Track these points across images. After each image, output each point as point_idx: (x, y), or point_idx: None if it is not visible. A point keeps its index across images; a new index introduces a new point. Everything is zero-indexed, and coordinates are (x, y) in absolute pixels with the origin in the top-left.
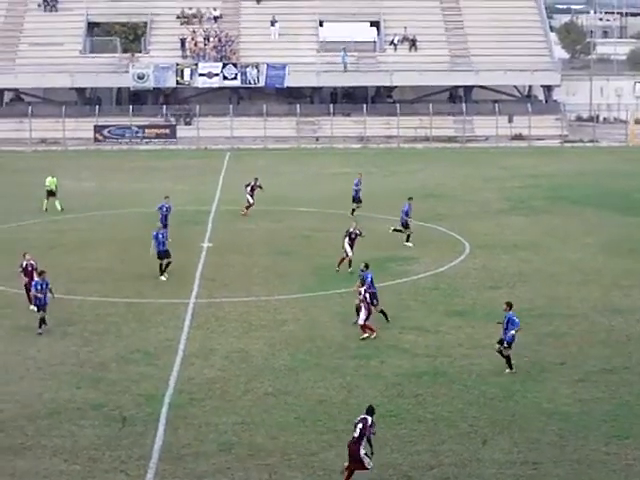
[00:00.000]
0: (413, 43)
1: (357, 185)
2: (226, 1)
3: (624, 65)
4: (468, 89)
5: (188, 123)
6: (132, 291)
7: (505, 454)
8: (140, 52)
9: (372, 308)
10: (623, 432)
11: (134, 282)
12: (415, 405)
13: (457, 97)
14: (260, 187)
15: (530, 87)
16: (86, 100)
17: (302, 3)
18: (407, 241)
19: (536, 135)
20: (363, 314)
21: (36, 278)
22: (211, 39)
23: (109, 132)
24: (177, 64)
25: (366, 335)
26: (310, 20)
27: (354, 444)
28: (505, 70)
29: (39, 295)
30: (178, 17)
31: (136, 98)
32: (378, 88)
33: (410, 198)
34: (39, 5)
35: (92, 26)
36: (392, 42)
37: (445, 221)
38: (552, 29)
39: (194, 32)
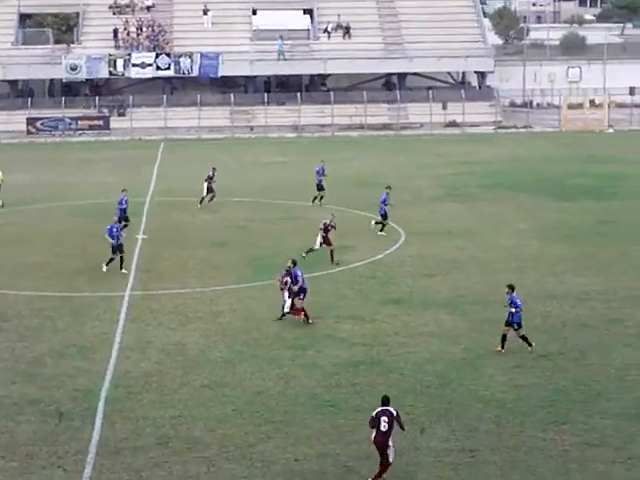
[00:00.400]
0: (347, 31)
1: (320, 174)
2: None
3: (557, 50)
4: (402, 76)
5: (121, 114)
6: (67, 285)
7: (442, 442)
8: (73, 43)
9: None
10: (560, 418)
11: (69, 276)
12: (352, 394)
13: (391, 84)
14: (212, 178)
15: (464, 73)
16: (18, 92)
17: None
18: (381, 231)
19: (470, 122)
20: (287, 301)
21: None
22: (144, 29)
23: (42, 124)
24: (110, 55)
25: (303, 318)
26: (243, 8)
27: (383, 437)
28: (439, 57)
29: None
30: (110, 7)
31: (69, 90)
32: (312, 76)
33: (388, 187)
34: None
35: (24, 17)
36: (326, 30)
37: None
38: (485, 15)
39: (127, 22)
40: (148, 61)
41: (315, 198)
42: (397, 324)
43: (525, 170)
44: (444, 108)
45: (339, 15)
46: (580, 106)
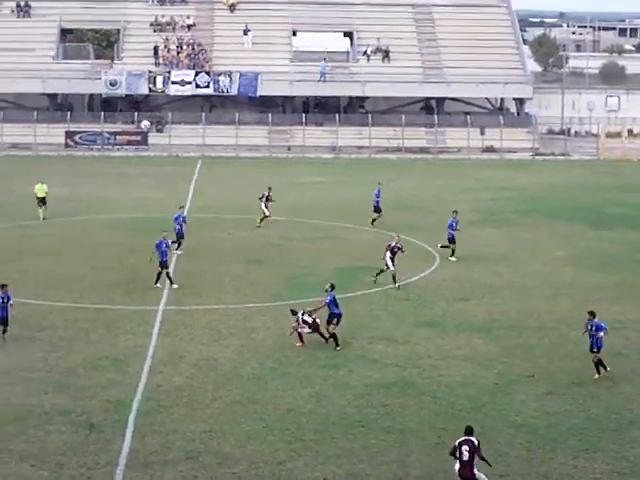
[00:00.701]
0: (386, 54)
1: (377, 196)
2: (200, 9)
3: (596, 79)
4: (440, 101)
5: (160, 130)
6: (102, 297)
7: None
8: (113, 59)
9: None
10: (591, 446)
11: (104, 289)
12: (383, 415)
13: (429, 108)
14: (269, 198)
15: (502, 100)
16: (58, 106)
17: (276, 12)
18: (452, 256)
19: (508, 147)
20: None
21: None
22: (184, 47)
23: (80, 138)
24: (149, 71)
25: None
26: (284, 29)
27: (466, 468)
28: (477, 82)
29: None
30: (151, 24)
31: (108, 104)
32: (351, 98)
33: (455, 211)
34: (12, 11)
35: (65, 32)
36: (365, 53)
37: (416, 232)
38: (525, 42)
39: (167, 40)
40: (187, 79)
41: (374, 220)
42: (430, 347)
43: (562, 197)
44: (482, 133)
45: (379, 38)
46: (618, 135)
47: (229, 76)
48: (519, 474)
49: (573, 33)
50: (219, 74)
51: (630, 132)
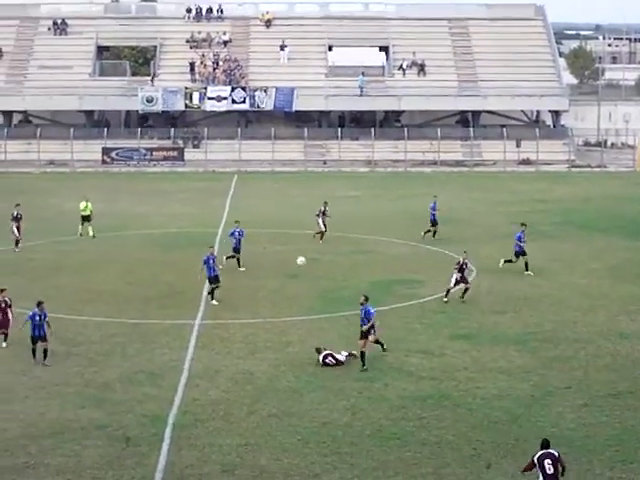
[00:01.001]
0: (422, 68)
1: (434, 209)
2: (236, 25)
3: (632, 90)
4: (476, 114)
5: (196, 146)
6: (137, 312)
7: (509, 478)
8: (150, 76)
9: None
10: (628, 457)
11: (139, 303)
12: (419, 428)
13: (465, 121)
14: (325, 213)
15: (538, 112)
16: (94, 122)
17: (311, 28)
18: (526, 270)
19: (544, 160)
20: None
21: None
22: (220, 63)
23: (117, 154)
24: (186, 87)
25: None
26: (319, 45)
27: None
28: (513, 95)
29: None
30: (187, 41)
31: (144, 120)
32: (386, 112)
33: (523, 224)
34: (49, 29)
35: (102, 49)
36: (401, 67)
37: (452, 245)
38: (561, 54)
39: (203, 56)
40: (224, 94)
41: (428, 232)
42: (466, 359)
43: (598, 209)
44: (518, 146)
45: (414, 53)
46: None
47: (265, 91)
48: None
49: (609, 45)
50: (255, 89)
51: None
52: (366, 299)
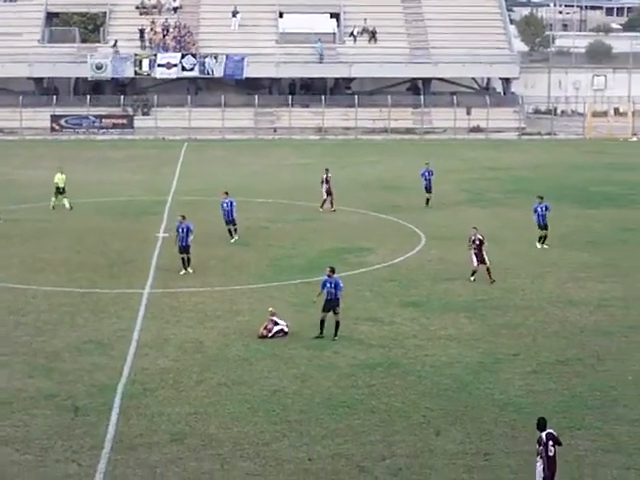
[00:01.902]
0: (373, 35)
1: (428, 175)
2: None
3: (583, 58)
4: (427, 81)
5: (146, 113)
6: (87, 281)
7: (457, 445)
8: (99, 42)
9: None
10: (575, 424)
11: (89, 272)
12: (368, 396)
13: (416, 89)
14: (328, 181)
15: (489, 79)
16: (43, 90)
17: None
18: (543, 243)
19: (494, 127)
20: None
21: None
22: (170, 30)
23: (66, 122)
24: (135, 54)
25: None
26: (270, 11)
27: (553, 462)
28: (464, 62)
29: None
30: (137, 7)
31: (94, 88)
32: (337, 79)
33: (540, 197)
34: None
35: (51, 16)
36: (352, 34)
37: (402, 212)
38: (512, 22)
39: (153, 23)
40: (174, 61)
41: (428, 200)
42: (415, 327)
43: (548, 177)
44: (468, 113)
45: (365, 19)
46: (605, 114)
47: (215, 58)
48: (503, 452)
49: (560, 12)
50: (205, 56)
51: (616, 111)
52: (332, 270)
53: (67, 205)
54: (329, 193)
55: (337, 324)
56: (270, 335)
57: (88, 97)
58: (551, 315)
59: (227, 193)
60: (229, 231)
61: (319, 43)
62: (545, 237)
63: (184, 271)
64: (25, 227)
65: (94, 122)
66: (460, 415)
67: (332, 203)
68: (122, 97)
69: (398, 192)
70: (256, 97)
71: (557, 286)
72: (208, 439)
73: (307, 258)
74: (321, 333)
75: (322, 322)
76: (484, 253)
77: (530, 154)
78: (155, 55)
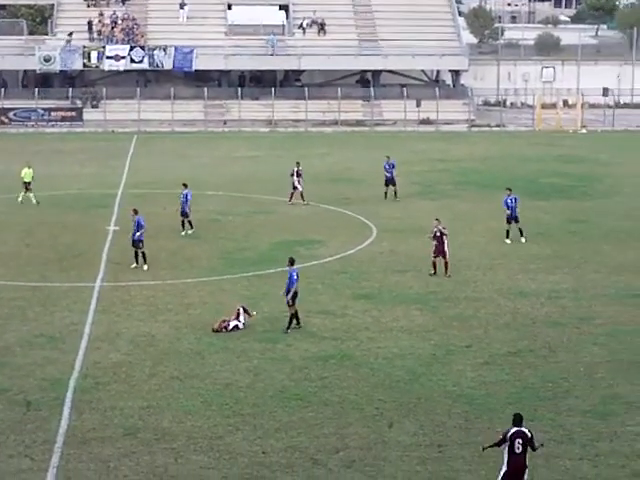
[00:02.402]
0: (322, 27)
1: (390, 167)
2: None
3: (531, 50)
4: (376, 73)
5: (95, 106)
6: (37, 275)
7: (411, 437)
8: (47, 34)
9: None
10: (528, 415)
11: (39, 266)
12: (321, 388)
13: (365, 81)
14: (299, 174)
15: (438, 72)
16: None
17: None
18: (521, 235)
19: (444, 119)
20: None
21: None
22: (119, 22)
23: (15, 115)
24: (84, 47)
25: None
26: (218, 3)
27: (518, 458)
28: (413, 54)
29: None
30: None
31: (42, 81)
32: (287, 72)
33: (508, 189)
34: None
35: None
36: (301, 26)
37: (353, 205)
38: (460, 14)
39: (102, 14)
40: (122, 54)
41: (386, 194)
42: (367, 319)
43: (498, 169)
44: (418, 106)
45: (314, 11)
46: (554, 106)
47: (164, 50)
48: (457, 443)
49: (509, 4)
50: (154, 49)
51: (565, 103)
52: (291, 262)
53: (33, 200)
54: (295, 187)
55: (291, 317)
56: (226, 330)
57: (36, 90)
58: (502, 307)
59: (185, 185)
60: (182, 223)
61: (272, 35)
62: (521, 230)
63: (135, 265)
64: None
65: (43, 115)
66: (413, 407)
67: (302, 196)
68: (71, 89)
69: (348, 184)
70: (205, 89)
71: (508, 278)
72: (161, 433)
73: (258, 251)
74: (298, 323)
75: (291, 317)
76: (445, 246)
77: (480, 146)
78: (104, 47)
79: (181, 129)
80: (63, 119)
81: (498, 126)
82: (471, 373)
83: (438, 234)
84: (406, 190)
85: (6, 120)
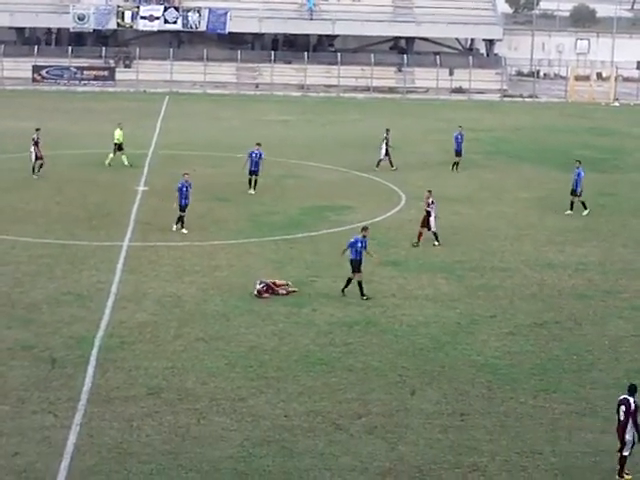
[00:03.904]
0: None
1: (460, 138)
2: None
3: (566, 21)
4: (410, 40)
5: (127, 66)
6: (66, 233)
7: (433, 405)
8: None
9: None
10: (551, 386)
11: (68, 224)
12: (345, 354)
13: (399, 48)
14: (388, 141)
15: (472, 40)
16: (25, 40)
17: None
18: (585, 208)
19: (476, 89)
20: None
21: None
22: None
23: (47, 72)
24: (118, 6)
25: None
26: None
27: (618, 426)
28: (448, 22)
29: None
30: None
31: (76, 39)
32: (320, 37)
33: (578, 161)
34: None
35: None
36: None
37: (383, 172)
38: None
39: None
40: (156, 14)
41: (455, 164)
42: (393, 286)
43: (529, 139)
44: (451, 74)
45: None
46: (587, 78)
47: (198, 12)
48: (479, 412)
49: None
50: (188, 10)
51: (599, 75)
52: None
53: (125, 162)
54: (387, 153)
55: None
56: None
57: (70, 48)
58: (529, 278)
59: (259, 144)
60: (249, 181)
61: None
62: (583, 203)
63: (177, 227)
64: (4, 177)
65: (75, 73)
66: (436, 375)
67: (391, 162)
68: (104, 49)
69: (379, 151)
70: (239, 52)
71: (535, 249)
72: (185, 394)
73: (287, 215)
74: (362, 294)
75: (359, 284)
76: (431, 218)
77: (511, 116)
78: (138, 7)
79: (213, 91)
80: (95, 78)
81: (530, 97)
82: (495, 343)
83: (425, 206)
84: (436, 158)
85: (39, 78)
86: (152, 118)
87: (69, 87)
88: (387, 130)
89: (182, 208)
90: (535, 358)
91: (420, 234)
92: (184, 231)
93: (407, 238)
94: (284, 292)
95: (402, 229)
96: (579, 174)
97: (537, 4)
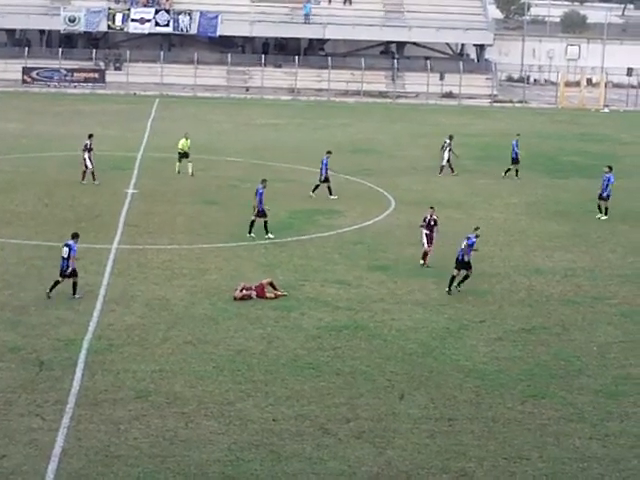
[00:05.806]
0: None
1: (516, 146)
2: None
3: (557, 27)
4: (401, 45)
5: (118, 68)
6: (55, 235)
7: (421, 409)
8: None
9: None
10: (539, 392)
11: (57, 226)
12: (334, 358)
13: (389, 53)
14: (450, 147)
15: (462, 46)
16: (15, 41)
17: None
18: (605, 214)
19: (466, 94)
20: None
21: None
22: None
23: (38, 74)
24: (109, 8)
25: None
26: None
27: None
28: (438, 27)
29: None
30: None
31: (66, 41)
32: (311, 40)
33: (609, 167)
34: None
35: None
36: None
37: (372, 176)
38: None
39: None
40: (147, 17)
41: (508, 170)
42: (383, 291)
43: (519, 145)
44: (441, 79)
45: None
46: (577, 84)
47: (189, 15)
48: (467, 418)
49: None
50: (179, 13)
51: (589, 81)
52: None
53: (190, 170)
54: (449, 159)
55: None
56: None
57: (60, 50)
58: (518, 283)
59: (330, 152)
60: (323, 188)
61: (308, 3)
62: (606, 209)
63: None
64: None
65: (66, 75)
66: (425, 380)
67: (452, 168)
68: (94, 51)
69: (369, 155)
70: (229, 55)
71: (524, 254)
72: (173, 397)
73: (277, 219)
74: (449, 290)
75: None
76: (434, 235)
77: (501, 122)
78: (129, 9)
79: (203, 94)
80: (86, 80)
81: (521, 102)
82: (484, 348)
83: (432, 223)
84: (426, 163)
85: (29, 79)
86: (142, 121)
87: (59, 89)
88: (450, 136)
89: (260, 214)
90: (523, 364)
91: (425, 254)
92: (270, 235)
93: (396, 243)
94: (272, 296)
95: (391, 234)
96: (609, 179)
97: (528, 10)
